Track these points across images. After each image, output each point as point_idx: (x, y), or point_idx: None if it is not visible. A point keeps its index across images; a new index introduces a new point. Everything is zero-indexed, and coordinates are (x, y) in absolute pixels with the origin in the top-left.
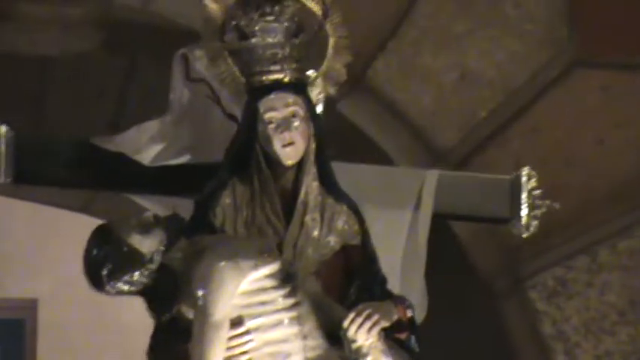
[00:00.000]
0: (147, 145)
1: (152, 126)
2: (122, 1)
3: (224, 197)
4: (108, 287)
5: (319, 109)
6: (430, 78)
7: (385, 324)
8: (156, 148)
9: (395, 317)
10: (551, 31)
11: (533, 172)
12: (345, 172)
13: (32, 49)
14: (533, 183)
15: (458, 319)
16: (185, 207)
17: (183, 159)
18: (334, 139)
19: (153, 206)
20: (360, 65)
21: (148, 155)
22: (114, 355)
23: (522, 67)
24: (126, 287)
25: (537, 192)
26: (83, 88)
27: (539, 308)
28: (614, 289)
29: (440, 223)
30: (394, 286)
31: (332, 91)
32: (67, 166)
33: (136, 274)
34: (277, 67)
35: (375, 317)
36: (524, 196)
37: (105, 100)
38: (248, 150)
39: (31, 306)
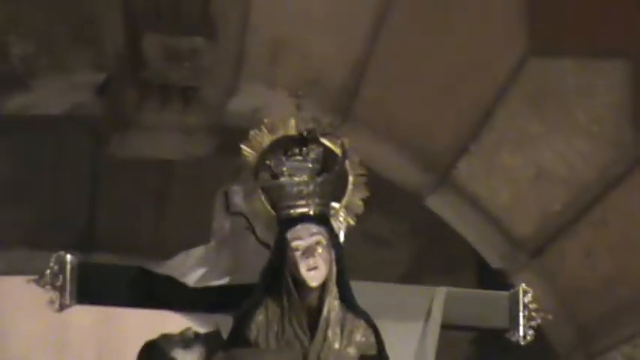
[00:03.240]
0: (192, 268)
1: (197, 252)
2: (234, 109)
3: (258, 314)
4: None
5: (341, 237)
6: (508, 175)
7: None
8: (200, 271)
9: None
10: (617, 131)
11: (529, 289)
12: (362, 290)
13: (155, 154)
14: (529, 297)
15: None
16: (225, 322)
17: (224, 281)
18: (422, 231)
19: (197, 322)
20: (445, 165)
21: (193, 277)
22: None
23: (591, 164)
24: None
25: (533, 306)
26: (200, 189)
27: None
28: None
29: None
30: None
31: (352, 221)
32: (124, 288)
33: None
34: (303, 202)
35: None
36: (521, 309)
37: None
38: (279, 273)
39: None
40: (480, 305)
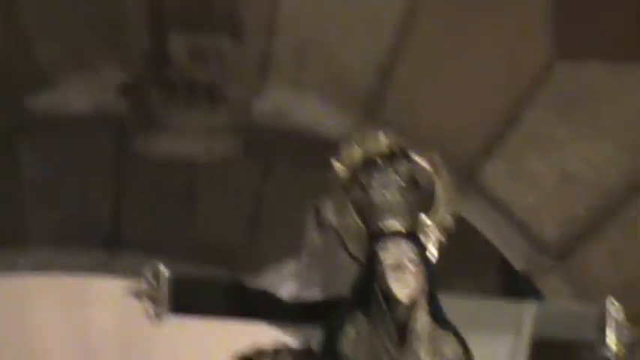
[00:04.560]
0: (285, 282)
1: (289, 266)
2: (260, 109)
3: (348, 328)
4: None
5: (432, 252)
6: (534, 179)
7: None
8: (292, 285)
9: None
10: None
11: (619, 303)
12: (451, 304)
13: (180, 154)
14: (620, 312)
15: None
16: (316, 334)
17: (316, 294)
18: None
19: (289, 335)
20: (470, 167)
21: (286, 291)
22: None
23: (618, 168)
24: None
25: (622, 320)
26: (226, 189)
27: None
28: None
29: None
30: None
31: (442, 237)
32: (217, 300)
33: None
34: (392, 217)
35: None
36: (610, 324)
37: (243, 199)
38: (369, 288)
39: None
40: (569, 320)
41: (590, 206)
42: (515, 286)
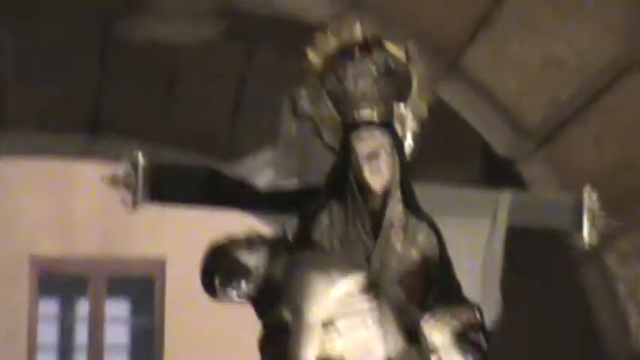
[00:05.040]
0: (261, 170)
1: (265, 155)
2: None
3: (322, 218)
4: (219, 294)
5: (407, 142)
6: (517, 63)
7: (456, 324)
8: (268, 173)
9: (465, 318)
10: (627, 19)
11: (594, 191)
12: (428, 193)
13: (164, 38)
14: (594, 200)
15: (543, 280)
16: (292, 223)
17: (291, 183)
18: (428, 117)
19: (264, 223)
20: (454, 52)
21: (262, 179)
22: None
23: (601, 52)
24: (234, 294)
25: (598, 209)
26: (208, 72)
27: (615, 272)
28: None
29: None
30: (475, 287)
31: (415, 126)
32: (194, 187)
33: (243, 283)
34: (367, 107)
35: (447, 318)
36: (585, 212)
37: (226, 81)
38: (343, 177)
39: (159, 265)
40: (546, 208)
41: (573, 91)
42: (497, 172)
